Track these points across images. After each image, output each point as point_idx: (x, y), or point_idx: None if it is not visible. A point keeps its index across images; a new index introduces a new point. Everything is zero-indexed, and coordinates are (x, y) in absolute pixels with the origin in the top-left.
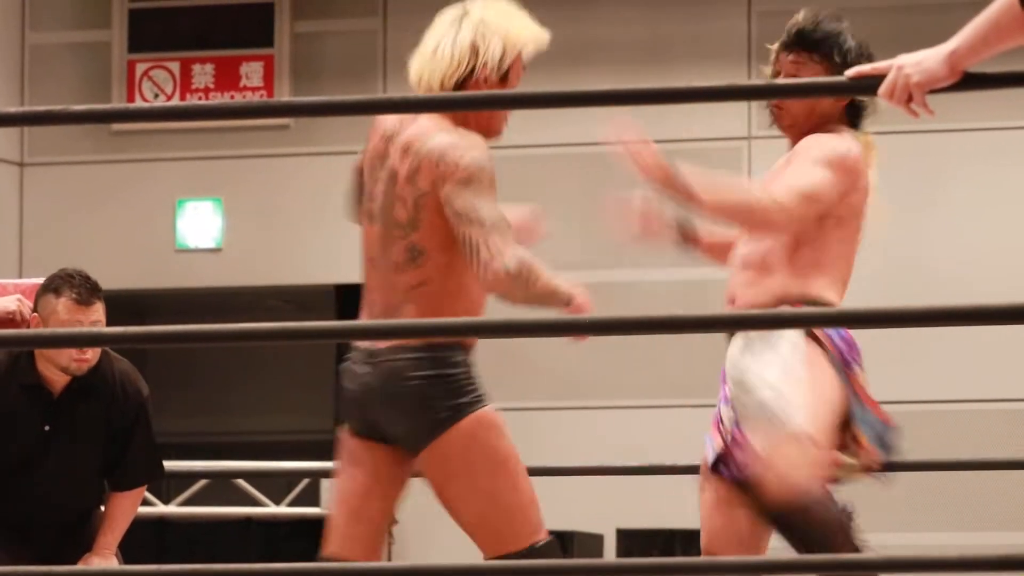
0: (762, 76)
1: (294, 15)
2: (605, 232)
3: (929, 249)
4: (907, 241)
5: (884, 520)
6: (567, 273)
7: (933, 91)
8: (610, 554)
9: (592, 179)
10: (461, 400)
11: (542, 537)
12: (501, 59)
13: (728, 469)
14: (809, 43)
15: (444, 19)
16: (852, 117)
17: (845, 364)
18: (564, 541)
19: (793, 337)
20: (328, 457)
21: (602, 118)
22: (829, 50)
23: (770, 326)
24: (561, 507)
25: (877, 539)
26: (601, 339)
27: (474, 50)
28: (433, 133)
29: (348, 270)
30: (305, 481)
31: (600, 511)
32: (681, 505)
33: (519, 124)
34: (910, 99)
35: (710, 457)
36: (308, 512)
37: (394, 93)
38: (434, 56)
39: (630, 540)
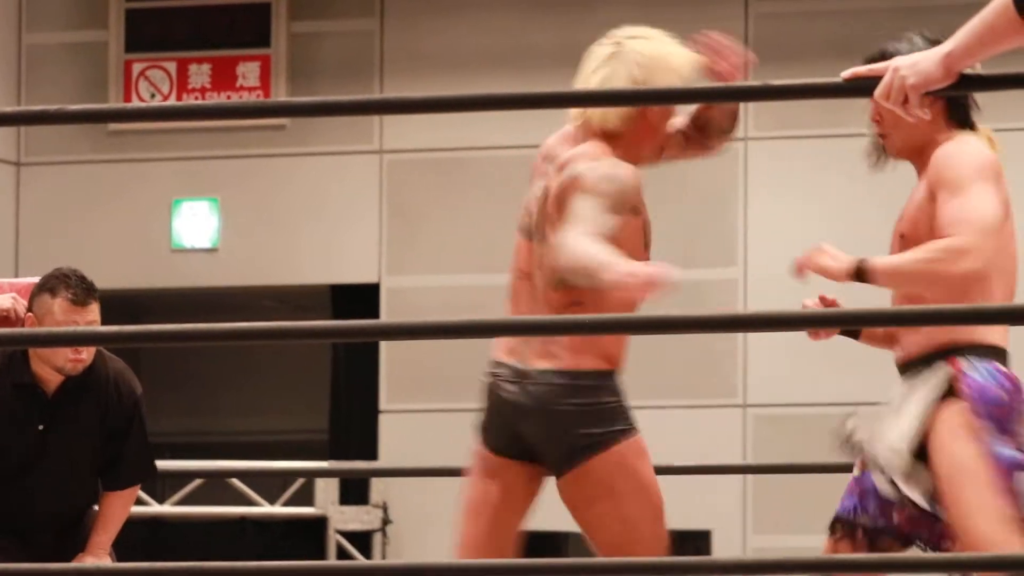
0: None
1: (291, 15)
2: None
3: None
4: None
5: None
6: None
7: (928, 93)
8: None
9: None
10: (614, 428)
11: None
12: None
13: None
14: None
15: (599, 54)
16: (957, 118)
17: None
18: (559, 542)
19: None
20: (322, 457)
21: None
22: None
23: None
24: (557, 506)
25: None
26: None
27: (633, 83)
28: (586, 158)
29: (343, 270)
30: (300, 481)
31: None
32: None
33: (510, 125)
34: (906, 101)
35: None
36: (303, 512)
37: (390, 94)
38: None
39: None
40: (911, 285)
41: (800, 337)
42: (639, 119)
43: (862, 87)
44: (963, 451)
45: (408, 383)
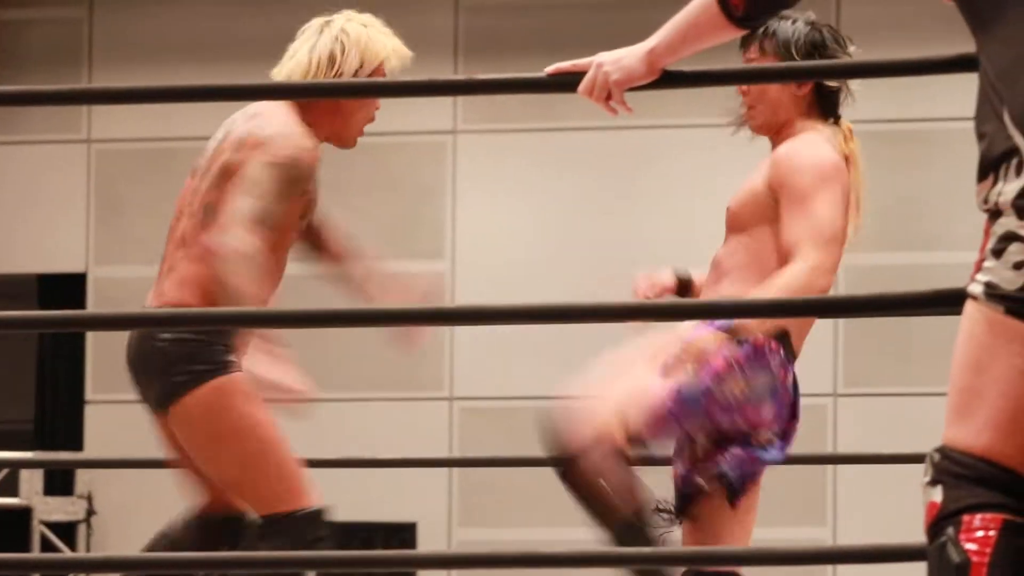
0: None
1: (0, 3)
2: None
3: (628, 243)
4: (606, 235)
5: None
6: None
7: (632, 89)
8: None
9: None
10: (201, 367)
11: (306, 504)
12: (357, 71)
13: None
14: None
15: (308, 28)
16: (822, 107)
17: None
18: (371, 532)
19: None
20: (27, 447)
21: None
22: (775, 42)
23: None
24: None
25: (572, 534)
26: (290, 332)
27: (332, 59)
28: (276, 121)
29: (51, 260)
30: (3, 471)
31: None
32: (381, 497)
33: (219, 116)
34: (609, 96)
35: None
36: (6, 502)
37: (99, 83)
38: (292, 60)
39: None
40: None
41: (507, 331)
42: (324, 100)
43: (566, 82)
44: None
45: (114, 374)
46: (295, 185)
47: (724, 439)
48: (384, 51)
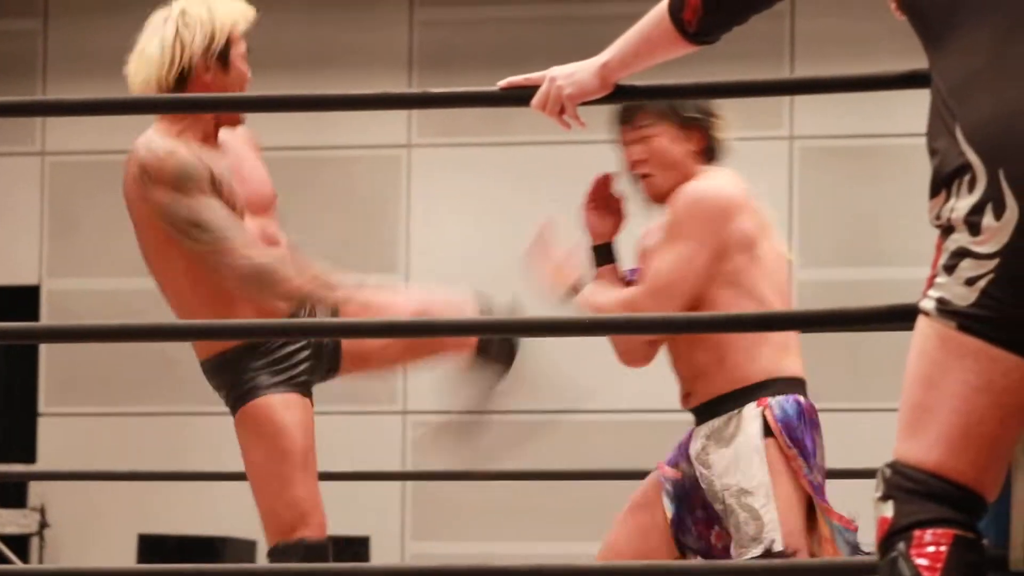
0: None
1: None
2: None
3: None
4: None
5: (531, 530)
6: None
7: (585, 103)
8: (263, 560)
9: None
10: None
11: (306, 535)
12: (209, 46)
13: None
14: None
15: (151, 22)
16: (713, 157)
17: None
18: (217, 547)
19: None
20: None
21: (258, 123)
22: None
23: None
24: (213, 513)
25: (525, 548)
26: None
27: (180, 44)
28: (143, 142)
29: (3, 272)
30: None
31: (253, 517)
32: (334, 511)
33: None
34: (562, 111)
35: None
36: None
37: (53, 95)
38: (142, 58)
39: None
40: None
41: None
42: (196, 80)
43: (519, 96)
44: (782, 487)
45: (68, 386)
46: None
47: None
48: (230, 19)
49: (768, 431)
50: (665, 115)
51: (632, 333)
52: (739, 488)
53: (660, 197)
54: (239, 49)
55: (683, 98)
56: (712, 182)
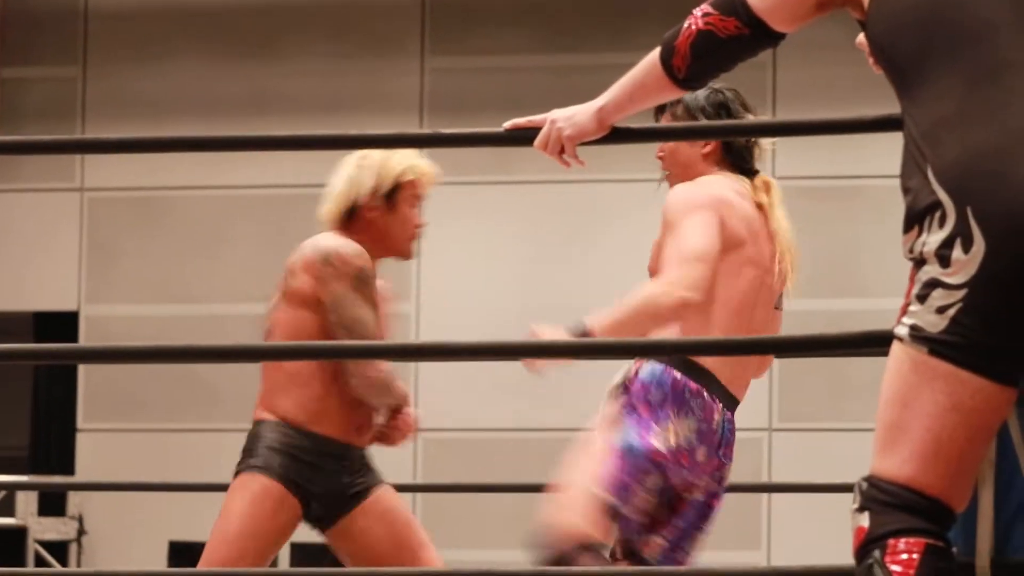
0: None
1: (0, 61)
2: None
3: (579, 291)
4: (559, 283)
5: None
6: (248, 305)
7: (583, 144)
8: (284, 566)
9: (272, 218)
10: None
11: None
12: (375, 188)
13: None
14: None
15: (345, 162)
16: (731, 160)
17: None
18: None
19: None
20: (22, 471)
21: (282, 162)
22: (683, 106)
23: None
24: None
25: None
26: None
27: (351, 184)
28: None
29: (45, 298)
30: (1, 493)
31: None
32: None
33: (204, 167)
34: (562, 151)
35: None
36: (3, 523)
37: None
38: (330, 192)
39: (304, 553)
40: (633, 330)
41: (469, 368)
42: (359, 217)
43: (522, 137)
44: (598, 438)
45: (104, 403)
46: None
47: (668, 502)
48: (400, 166)
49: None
50: (685, 116)
51: (611, 358)
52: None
53: (669, 180)
54: (408, 195)
55: (674, 140)
56: (699, 184)
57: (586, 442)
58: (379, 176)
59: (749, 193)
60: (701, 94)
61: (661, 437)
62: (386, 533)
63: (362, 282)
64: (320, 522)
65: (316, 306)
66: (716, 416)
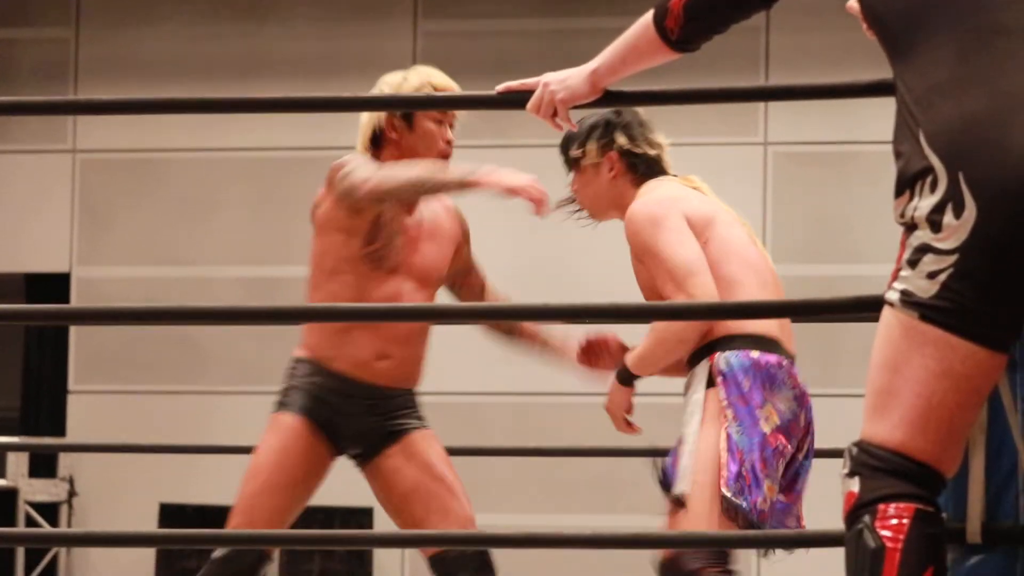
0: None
1: None
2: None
3: (572, 253)
4: (552, 246)
5: (517, 503)
6: (239, 268)
7: (576, 107)
8: None
9: (265, 182)
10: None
11: None
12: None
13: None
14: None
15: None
16: (638, 171)
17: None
18: (330, 515)
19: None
20: (13, 433)
21: (276, 125)
22: (567, 152)
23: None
24: (230, 484)
25: (507, 519)
26: (272, 329)
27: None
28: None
29: (37, 260)
30: None
31: None
32: (340, 483)
33: (196, 130)
34: (555, 114)
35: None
36: None
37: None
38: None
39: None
40: (664, 357)
41: (461, 331)
42: (384, 138)
43: (515, 100)
44: (709, 436)
45: (95, 366)
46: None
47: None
48: (417, 81)
49: (711, 383)
50: (572, 163)
51: (622, 322)
52: (682, 436)
53: (596, 218)
54: (426, 114)
55: (668, 103)
56: (644, 197)
57: (691, 450)
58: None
59: (687, 184)
60: (585, 124)
61: (767, 420)
62: (414, 477)
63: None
64: (356, 459)
65: (335, 229)
66: (799, 377)
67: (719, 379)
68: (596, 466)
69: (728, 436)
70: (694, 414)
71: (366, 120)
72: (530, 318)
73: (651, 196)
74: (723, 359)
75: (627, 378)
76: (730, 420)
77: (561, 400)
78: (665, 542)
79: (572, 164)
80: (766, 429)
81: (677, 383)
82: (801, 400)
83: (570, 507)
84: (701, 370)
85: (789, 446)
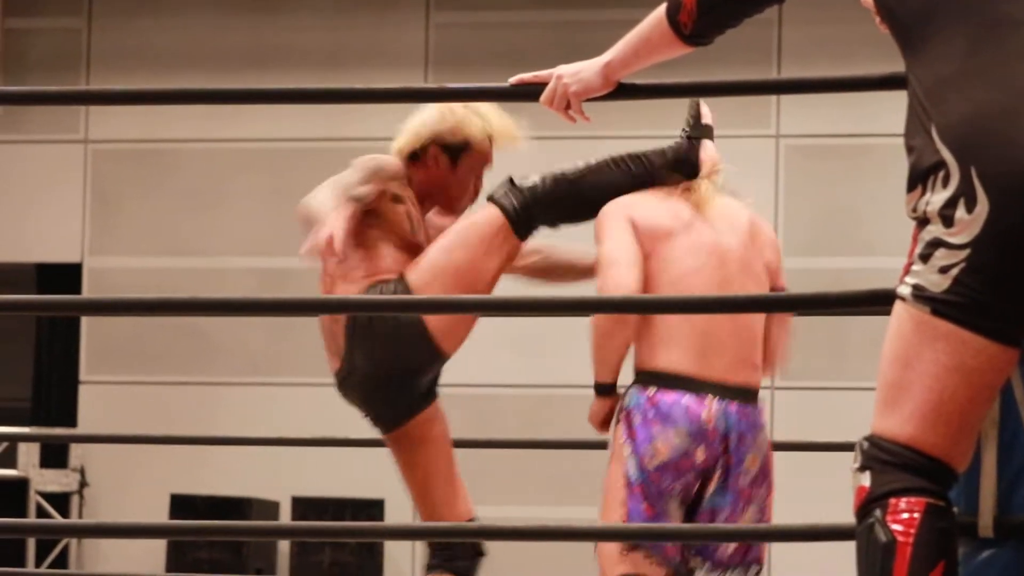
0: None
1: (5, 12)
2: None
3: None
4: (562, 239)
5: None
6: (249, 259)
7: (589, 100)
8: (285, 519)
9: (275, 172)
10: None
11: None
12: (446, 138)
13: None
14: None
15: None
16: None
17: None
18: (243, 507)
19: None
20: (25, 423)
21: (286, 116)
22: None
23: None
24: (240, 475)
25: (515, 512)
26: (282, 320)
27: (426, 124)
28: None
29: (49, 250)
30: (3, 445)
31: (277, 480)
32: (352, 475)
33: (208, 121)
34: (568, 106)
35: None
36: (5, 474)
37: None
38: (405, 125)
39: (304, 507)
40: (607, 355)
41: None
42: (422, 162)
43: (528, 92)
44: (614, 473)
45: (106, 356)
46: None
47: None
48: (477, 126)
49: (618, 419)
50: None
51: (616, 312)
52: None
53: None
54: (474, 162)
55: (680, 96)
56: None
57: (606, 486)
58: (453, 128)
59: (665, 195)
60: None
61: (653, 457)
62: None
63: (374, 174)
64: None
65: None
66: (704, 413)
67: (621, 415)
68: (603, 460)
69: (626, 474)
70: (609, 450)
71: (416, 130)
72: (542, 312)
73: (611, 203)
74: (627, 396)
75: (598, 388)
76: (627, 456)
77: (570, 392)
78: (674, 535)
79: None
80: (650, 467)
81: None
82: (700, 436)
83: (578, 500)
84: (618, 405)
85: (676, 485)
